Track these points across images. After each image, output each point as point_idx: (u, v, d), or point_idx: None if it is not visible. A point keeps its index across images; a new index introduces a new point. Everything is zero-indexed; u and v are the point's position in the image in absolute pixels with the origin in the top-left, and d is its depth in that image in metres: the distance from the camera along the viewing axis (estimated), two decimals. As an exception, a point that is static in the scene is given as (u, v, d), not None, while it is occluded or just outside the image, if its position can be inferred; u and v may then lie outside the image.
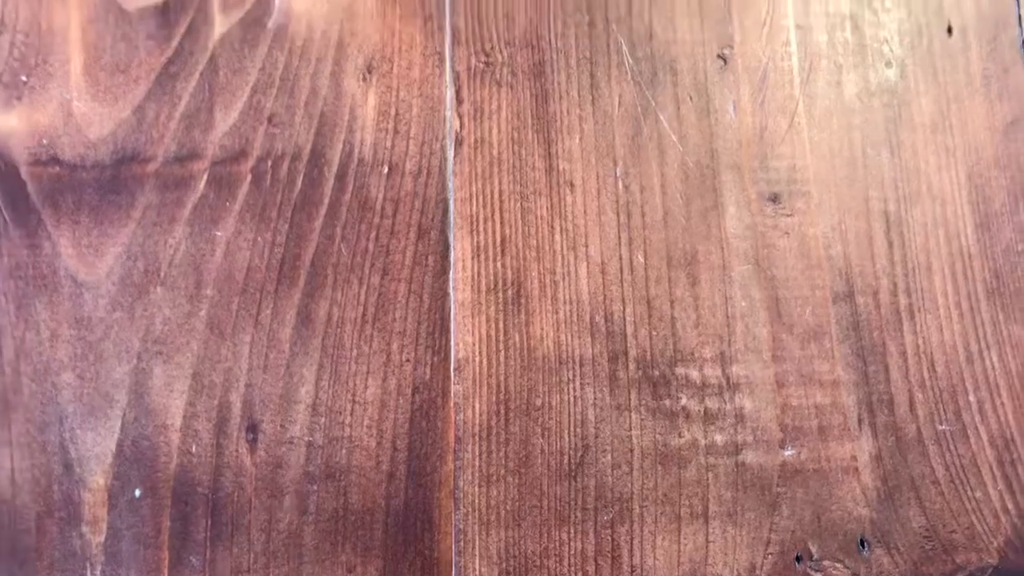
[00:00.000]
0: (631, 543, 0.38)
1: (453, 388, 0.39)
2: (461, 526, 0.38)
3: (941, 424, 0.40)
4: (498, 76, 0.42)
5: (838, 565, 0.38)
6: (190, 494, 0.38)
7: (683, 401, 0.39)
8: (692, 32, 0.43)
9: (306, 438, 0.39)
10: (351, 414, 0.39)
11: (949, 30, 0.43)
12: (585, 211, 0.41)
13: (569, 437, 0.39)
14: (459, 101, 0.42)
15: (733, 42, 0.43)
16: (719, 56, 0.42)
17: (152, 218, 0.40)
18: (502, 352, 0.40)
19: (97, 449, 0.38)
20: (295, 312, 0.40)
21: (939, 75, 0.43)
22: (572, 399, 0.39)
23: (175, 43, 0.41)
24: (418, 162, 0.41)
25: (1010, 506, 0.39)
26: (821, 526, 0.39)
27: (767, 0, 0.43)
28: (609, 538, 0.38)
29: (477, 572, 0.38)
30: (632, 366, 0.40)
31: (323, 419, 0.39)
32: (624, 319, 0.40)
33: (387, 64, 0.42)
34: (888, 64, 0.43)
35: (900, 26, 0.43)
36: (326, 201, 0.40)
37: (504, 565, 0.38)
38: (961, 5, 0.43)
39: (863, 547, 0.39)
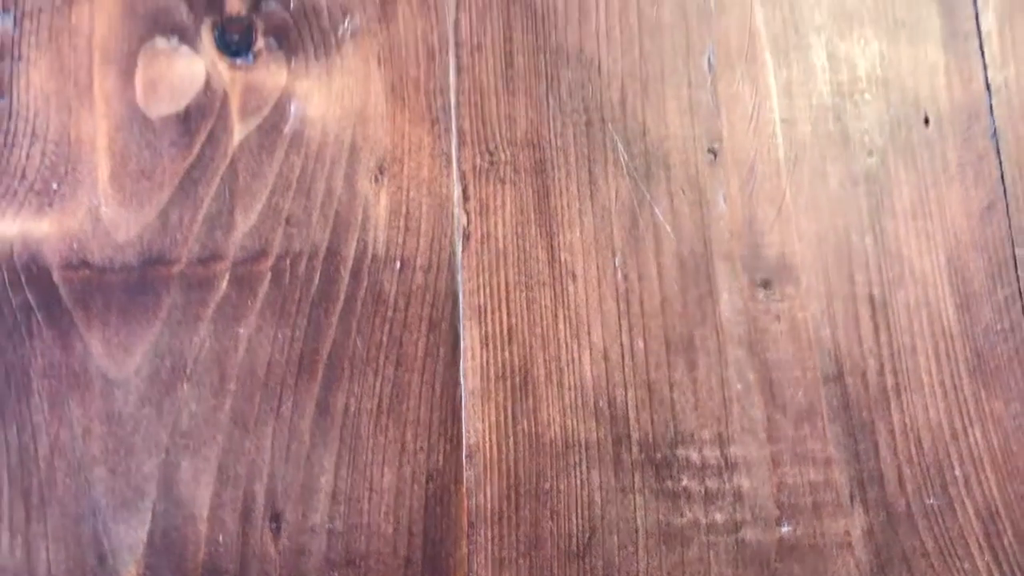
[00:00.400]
0: (638, 621, 0.40)
1: (465, 474, 0.41)
2: (476, 608, 0.40)
3: (929, 498, 0.42)
4: (502, 174, 0.44)
5: (835, 637, 0.40)
6: (218, 582, 0.40)
7: (684, 482, 0.42)
8: (683, 128, 0.45)
9: (327, 526, 0.41)
10: (369, 502, 0.41)
11: (926, 120, 0.46)
12: (587, 300, 0.43)
13: (577, 519, 0.41)
14: (466, 198, 0.44)
15: (722, 137, 0.45)
16: (709, 150, 0.45)
17: (177, 317, 0.42)
18: (511, 438, 0.42)
19: (129, 540, 0.40)
20: (314, 404, 0.42)
21: (918, 163, 0.45)
22: (579, 482, 0.41)
23: (196, 149, 0.44)
24: (428, 257, 0.43)
25: (997, 576, 0.41)
26: (818, 600, 0.41)
27: (753, 96, 0.46)
28: (617, 617, 0.40)
29: (492, 652, 0.40)
30: (635, 449, 0.42)
31: (342, 507, 0.41)
32: (627, 403, 0.42)
33: (398, 165, 0.44)
34: (870, 154, 0.45)
35: (880, 117, 0.46)
36: (342, 297, 0.43)
37: (518, 645, 0.40)
38: (936, 97, 0.46)
39: (859, 619, 0.41)
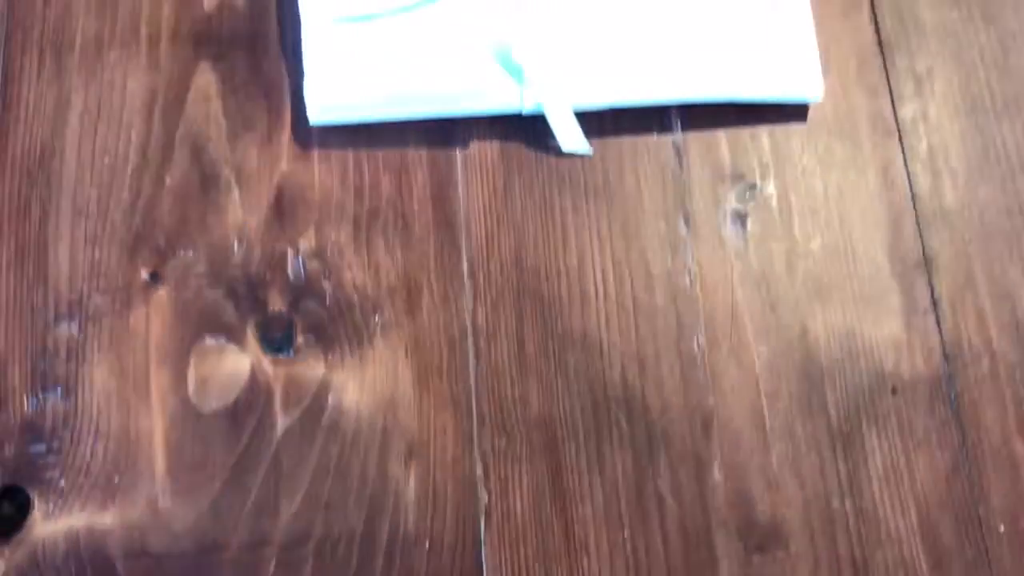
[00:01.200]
0: None
1: None
2: None
3: None
4: (518, 452, 0.50)
5: None
6: None
7: None
8: (679, 403, 0.51)
9: None
10: None
11: (893, 391, 0.51)
12: (600, 573, 0.48)
13: None
14: (487, 477, 0.49)
15: (714, 410, 0.51)
16: (703, 424, 0.50)
17: (230, 602, 0.47)
18: None
19: None
20: None
21: (888, 430, 0.51)
22: None
23: (244, 441, 0.49)
24: (454, 535, 0.48)
25: None
26: None
27: (739, 372, 0.51)
28: None
29: None
30: None
31: None
32: (638, 670, 0.47)
33: (425, 449, 0.49)
34: (845, 419, 0.51)
35: (852, 388, 0.51)
36: (377, 577, 0.47)
37: None
38: (900, 368, 0.52)
39: None
